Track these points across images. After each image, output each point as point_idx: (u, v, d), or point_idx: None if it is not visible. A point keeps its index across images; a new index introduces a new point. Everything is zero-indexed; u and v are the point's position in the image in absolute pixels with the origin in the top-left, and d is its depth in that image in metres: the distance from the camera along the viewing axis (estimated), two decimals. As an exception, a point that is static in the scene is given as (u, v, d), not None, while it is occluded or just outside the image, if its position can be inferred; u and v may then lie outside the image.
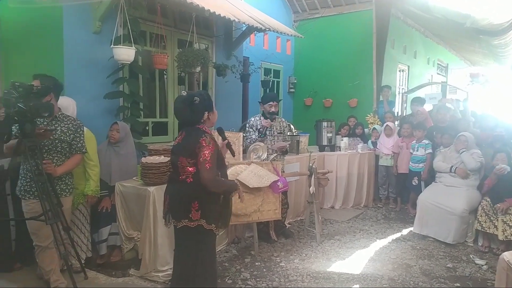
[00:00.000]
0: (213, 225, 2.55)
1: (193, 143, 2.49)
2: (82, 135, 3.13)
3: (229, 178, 3.67)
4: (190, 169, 2.51)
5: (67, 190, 3.07)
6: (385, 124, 6.12)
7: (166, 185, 2.75)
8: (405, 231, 4.88)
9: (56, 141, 2.93)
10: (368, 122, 6.81)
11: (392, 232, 4.83)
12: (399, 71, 8.90)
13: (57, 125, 2.97)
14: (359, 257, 4.00)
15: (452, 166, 4.74)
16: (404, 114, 7.86)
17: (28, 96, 2.62)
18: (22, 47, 4.40)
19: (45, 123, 2.90)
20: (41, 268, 2.97)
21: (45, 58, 4.13)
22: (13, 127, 2.82)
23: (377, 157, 6.15)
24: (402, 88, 9.12)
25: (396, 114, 7.49)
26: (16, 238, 3.43)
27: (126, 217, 3.58)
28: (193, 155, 2.49)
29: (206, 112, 2.61)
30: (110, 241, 3.63)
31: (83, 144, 3.13)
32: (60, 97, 3.18)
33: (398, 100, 8.77)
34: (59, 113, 3.03)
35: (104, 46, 4.11)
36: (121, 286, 3.24)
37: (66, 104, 3.34)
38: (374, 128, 6.42)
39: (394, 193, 6.04)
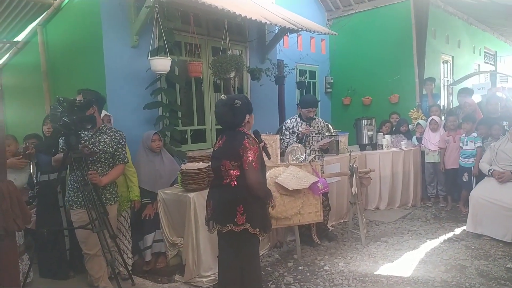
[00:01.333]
0: (257, 229, 2.54)
1: (237, 145, 2.50)
2: (124, 146, 3.25)
3: (266, 181, 3.68)
4: (234, 172, 2.52)
5: (112, 199, 3.19)
6: (430, 118, 5.81)
7: (205, 190, 2.77)
8: (457, 231, 4.59)
9: (100, 153, 3.05)
10: (412, 117, 6.51)
11: (443, 232, 4.55)
12: (443, 62, 8.46)
13: (100, 137, 3.09)
14: (409, 259, 3.80)
15: (489, 170, 4.42)
16: (451, 107, 7.45)
17: (72, 109, 2.75)
18: (68, 66, 4.69)
19: (90, 135, 3.04)
20: (90, 275, 3.10)
21: (89, 74, 4.36)
22: (59, 141, 2.98)
23: (423, 154, 5.86)
24: (447, 80, 8.66)
25: (442, 108, 7.10)
26: (70, 248, 3.61)
27: (169, 223, 3.65)
28: (237, 158, 2.49)
29: (248, 115, 2.62)
30: (155, 248, 3.72)
31: (125, 155, 3.25)
32: None
33: (443, 93, 8.33)
34: (102, 126, 3.16)
35: (141, 59, 4.26)
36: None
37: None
38: (418, 123, 6.12)
39: (443, 191, 5.71)
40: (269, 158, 3.03)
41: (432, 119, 5.73)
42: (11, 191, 1.93)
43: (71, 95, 2.93)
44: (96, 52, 4.16)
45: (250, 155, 2.45)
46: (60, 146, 2.98)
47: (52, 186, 3.48)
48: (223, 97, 2.69)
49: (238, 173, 2.50)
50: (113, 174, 3.15)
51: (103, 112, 3.65)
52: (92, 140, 3.03)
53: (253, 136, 2.66)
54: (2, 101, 5.82)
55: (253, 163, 2.44)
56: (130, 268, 3.49)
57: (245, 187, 2.49)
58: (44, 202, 3.62)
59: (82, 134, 2.94)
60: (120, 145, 3.17)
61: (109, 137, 3.13)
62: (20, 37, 5.43)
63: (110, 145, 3.11)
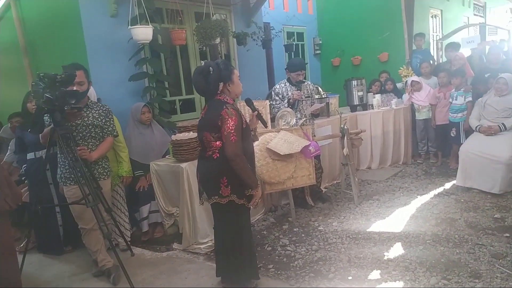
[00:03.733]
0: (244, 199, 2.51)
1: (215, 116, 2.40)
2: (112, 119, 3.22)
3: (258, 147, 3.68)
4: (215, 143, 2.44)
5: (104, 174, 3.18)
6: (410, 80, 5.74)
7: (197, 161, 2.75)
8: (447, 185, 4.69)
9: (90, 127, 3.03)
10: (402, 75, 6.46)
11: (433, 188, 4.65)
12: (432, 16, 8.32)
13: (88, 111, 3.06)
14: (400, 215, 3.90)
15: (477, 126, 4.46)
16: (441, 62, 7.39)
17: (54, 85, 2.67)
18: (48, 40, 4.51)
19: (75, 110, 2.98)
20: (88, 249, 3.14)
21: (69, 48, 4.21)
22: (45, 117, 2.92)
23: (413, 112, 5.88)
24: (436, 35, 8.55)
25: (432, 63, 7.04)
26: (63, 224, 3.64)
27: (163, 194, 3.68)
28: (216, 129, 2.41)
29: (221, 83, 2.47)
30: (151, 219, 3.77)
31: (114, 128, 3.22)
32: None
33: (432, 48, 8.25)
34: (89, 101, 3.12)
35: (122, 28, 4.12)
36: (166, 260, 3.37)
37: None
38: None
39: (434, 147, 5.78)
40: (265, 126, 3.00)
41: (412, 80, 5.70)
42: (-2, 171, 1.92)
43: (54, 71, 2.84)
44: (74, 24, 4.00)
45: (227, 126, 2.34)
46: (46, 123, 2.93)
47: (40, 164, 3.46)
48: (201, 63, 2.59)
49: (220, 145, 2.41)
50: (102, 147, 3.12)
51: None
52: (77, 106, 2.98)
53: (235, 105, 2.53)
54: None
55: (230, 135, 2.33)
56: (128, 239, 3.54)
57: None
58: (33, 180, 3.61)
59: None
60: (108, 118, 3.16)
61: (97, 112, 3.10)
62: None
63: (99, 119, 3.09)
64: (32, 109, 3.70)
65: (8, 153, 4.04)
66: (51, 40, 4.44)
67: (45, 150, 3.05)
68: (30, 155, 3.62)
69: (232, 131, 2.35)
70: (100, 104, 3.21)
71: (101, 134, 3.12)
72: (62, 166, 3.01)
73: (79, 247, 3.59)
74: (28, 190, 3.70)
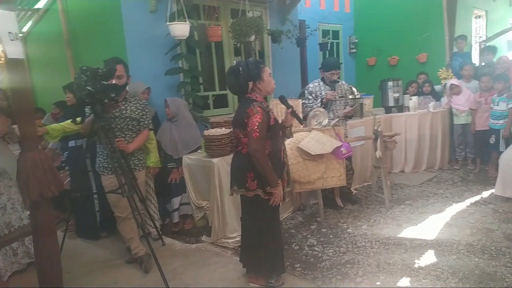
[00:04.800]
0: (270, 195, 2.56)
1: (243, 113, 2.49)
2: (148, 113, 3.33)
3: (289, 146, 3.68)
4: (244, 139, 2.54)
5: (140, 165, 3.30)
6: (449, 83, 5.53)
7: (229, 156, 2.82)
8: (485, 194, 4.49)
9: (128, 119, 3.15)
10: (441, 77, 6.24)
11: (470, 195, 4.47)
12: (475, 17, 7.96)
13: (126, 105, 3.18)
14: (433, 222, 3.78)
15: None
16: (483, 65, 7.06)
17: (95, 78, 2.78)
18: (89, 34, 4.68)
19: (112, 102, 3.08)
20: (122, 236, 3.26)
21: (109, 41, 4.35)
22: (86, 109, 3.05)
23: (451, 116, 5.67)
24: (480, 37, 8.17)
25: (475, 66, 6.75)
26: (100, 210, 3.80)
27: (194, 187, 3.75)
28: (244, 126, 2.49)
29: (251, 82, 2.54)
30: (182, 211, 3.85)
31: (150, 121, 3.34)
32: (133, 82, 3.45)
33: (475, 50, 7.90)
34: (127, 95, 3.24)
35: (160, 24, 4.20)
36: (195, 252, 3.44)
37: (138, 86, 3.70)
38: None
39: (472, 153, 5.56)
40: (301, 124, 3.00)
41: (451, 83, 5.48)
42: (43, 159, 2.02)
43: (94, 63, 2.96)
44: (115, 18, 4.12)
45: (251, 123, 2.43)
46: (87, 114, 3.06)
47: (80, 151, 3.63)
48: (234, 62, 2.65)
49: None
50: (139, 140, 3.24)
51: (144, 85, 3.81)
52: (119, 107, 3.10)
53: (263, 103, 2.56)
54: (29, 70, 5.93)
55: (253, 132, 2.41)
56: (158, 228, 3.64)
57: None
58: (74, 167, 3.80)
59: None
60: (144, 112, 3.27)
61: (134, 105, 3.23)
62: (40, 4, 5.42)
63: (136, 112, 3.21)
64: (68, 101, 3.88)
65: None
66: (93, 33, 4.61)
67: (85, 139, 3.19)
68: (71, 143, 3.80)
69: (255, 128, 2.42)
70: (137, 98, 3.31)
71: (137, 126, 3.23)
72: (101, 156, 3.14)
73: (114, 233, 3.73)
74: (69, 176, 3.88)
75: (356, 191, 4.78)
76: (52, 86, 5.34)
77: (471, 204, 4.22)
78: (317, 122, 4.04)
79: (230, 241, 3.48)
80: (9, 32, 1.84)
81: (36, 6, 5.46)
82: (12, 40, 1.85)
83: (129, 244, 3.21)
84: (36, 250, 2.18)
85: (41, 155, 2.05)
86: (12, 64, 1.90)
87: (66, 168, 4.12)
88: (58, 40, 5.06)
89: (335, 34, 7.99)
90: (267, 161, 2.48)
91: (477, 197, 4.41)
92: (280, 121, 2.79)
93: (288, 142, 3.67)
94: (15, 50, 1.86)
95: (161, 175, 3.78)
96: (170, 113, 3.83)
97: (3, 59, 1.94)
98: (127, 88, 3.26)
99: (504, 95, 4.86)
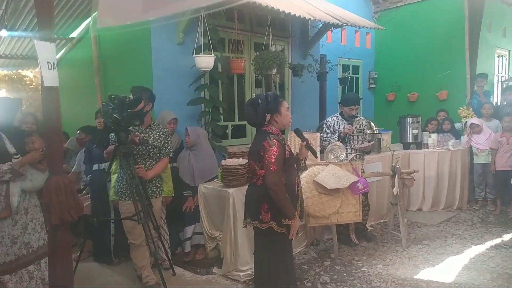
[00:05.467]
0: (283, 228, 2.55)
1: (259, 146, 2.53)
2: (170, 142, 3.42)
3: (305, 179, 3.69)
4: (260, 171, 2.57)
5: (157, 192, 3.36)
6: (469, 122, 5.48)
7: (245, 186, 2.84)
8: (506, 237, 4.35)
9: (149, 147, 3.23)
10: (461, 115, 6.19)
11: (490, 238, 4.34)
12: (498, 56, 7.97)
13: (150, 132, 3.28)
14: (451, 264, 3.67)
15: None
16: (504, 104, 6.98)
17: (122, 107, 2.91)
18: (118, 62, 4.92)
19: (140, 130, 3.21)
20: (134, 264, 3.28)
21: (137, 70, 4.56)
22: (110, 135, 3.17)
23: (471, 154, 5.58)
24: (502, 76, 8.13)
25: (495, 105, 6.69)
26: (115, 234, 3.84)
27: (208, 217, 3.76)
28: (259, 158, 2.53)
29: (268, 115, 2.59)
30: (194, 240, 3.85)
31: (170, 150, 3.42)
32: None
33: (496, 90, 7.84)
34: (152, 122, 3.34)
35: (187, 56, 4.38)
36: (205, 284, 3.41)
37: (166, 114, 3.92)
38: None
39: (492, 194, 5.42)
40: (315, 157, 3.02)
41: (472, 123, 5.44)
42: (66, 184, 2.09)
43: (121, 90, 3.10)
44: (144, 48, 4.33)
45: (268, 156, 2.46)
46: (111, 140, 3.17)
47: (102, 174, 3.72)
48: (255, 93, 2.71)
49: (264, 173, 2.54)
50: (158, 167, 3.31)
51: (172, 115, 3.95)
52: (143, 135, 3.21)
53: (279, 136, 2.60)
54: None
55: (271, 165, 2.44)
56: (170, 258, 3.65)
57: None
58: (95, 190, 3.90)
59: (133, 130, 3.11)
60: (166, 140, 3.36)
61: (157, 133, 3.32)
62: (75, 34, 5.75)
63: (159, 140, 3.29)
64: (99, 125, 4.02)
65: (76, 164, 4.39)
66: (122, 61, 4.83)
67: (108, 162, 3.29)
68: (95, 167, 3.94)
69: (273, 161, 2.45)
70: (161, 126, 3.41)
71: (158, 154, 3.31)
72: (120, 181, 3.22)
73: (127, 259, 3.74)
74: (90, 198, 3.97)
75: (371, 228, 4.71)
76: (77, 111, 5.57)
77: (491, 247, 4.08)
78: (334, 156, 4.06)
79: (241, 274, 3.45)
80: (48, 62, 1.97)
81: (71, 35, 5.79)
82: (50, 69, 1.98)
83: (141, 272, 3.22)
84: (51, 271, 2.23)
85: (65, 180, 2.12)
86: (47, 91, 2.02)
87: (83, 191, 4.23)
88: (88, 67, 5.31)
89: (355, 69, 8.09)
90: (285, 194, 2.51)
91: (498, 240, 4.27)
92: (295, 154, 2.83)
93: (304, 175, 3.68)
94: (52, 79, 1.99)
95: (176, 203, 3.83)
96: (190, 142, 3.91)
97: (34, 84, 2.07)
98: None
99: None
